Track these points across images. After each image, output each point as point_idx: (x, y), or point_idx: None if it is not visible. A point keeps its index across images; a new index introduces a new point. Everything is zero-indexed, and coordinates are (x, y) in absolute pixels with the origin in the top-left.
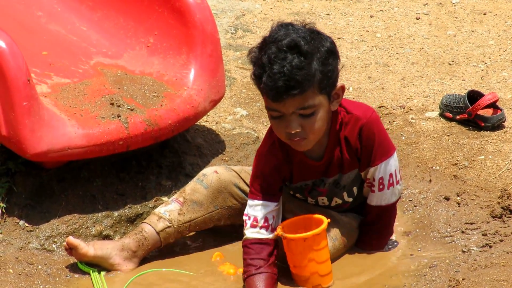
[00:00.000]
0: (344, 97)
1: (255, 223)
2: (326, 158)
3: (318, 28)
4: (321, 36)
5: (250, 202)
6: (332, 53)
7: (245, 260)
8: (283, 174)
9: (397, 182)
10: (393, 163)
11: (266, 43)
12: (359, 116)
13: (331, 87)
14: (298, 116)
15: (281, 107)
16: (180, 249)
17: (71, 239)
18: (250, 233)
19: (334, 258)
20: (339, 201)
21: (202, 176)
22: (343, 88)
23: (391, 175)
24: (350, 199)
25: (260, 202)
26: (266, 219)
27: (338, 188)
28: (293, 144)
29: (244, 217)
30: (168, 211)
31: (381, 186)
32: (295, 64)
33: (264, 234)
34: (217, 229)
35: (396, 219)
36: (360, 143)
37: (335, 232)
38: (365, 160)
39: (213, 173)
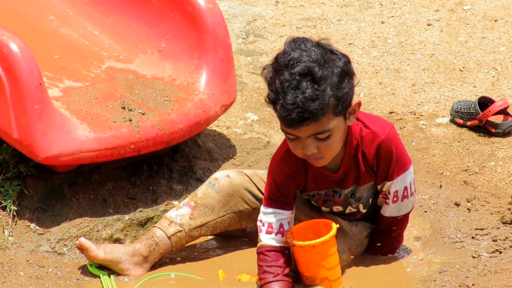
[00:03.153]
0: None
1: (270, 229)
2: (342, 171)
3: (331, 43)
4: (334, 55)
5: (263, 209)
6: (346, 75)
7: (261, 267)
8: (297, 182)
9: (411, 194)
10: (408, 177)
11: (279, 65)
12: (377, 132)
13: (347, 108)
14: (314, 139)
15: (296, 132)
16: (190, 255)
17: (82, 240)
18: (266, 239)
19: (342, 269)
20: (354, 211)
21: (214, 180)
22: (359, 104)
23: (406, 188)
24: (365, 210)
25: (274, 210)
26: (281, 225)
27: (353, 198)
28: (310, 161)
29: (258, 223)
30: (179, 216)
31: (395, 199)
32: (308, 95)
33: (280, 241)
34: (227, 233)
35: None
36: (378, 159)
37: (342, 245)
38: (382, 175)
39: (225, 177)
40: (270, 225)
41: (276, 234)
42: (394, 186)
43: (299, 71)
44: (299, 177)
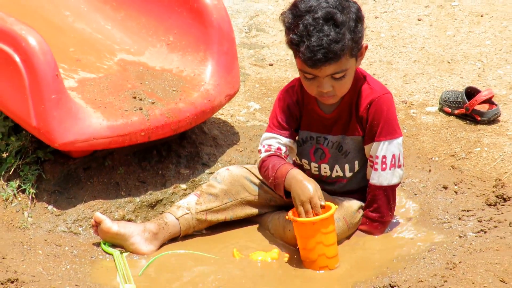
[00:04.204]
0: None
1: (268, 148)
2: (335, 113)
3: None
4: (348, 2)
5: (264, 135)
6: (360, 20)
7: (267, 169)
8: (295, 115)
9: (399, 166)
10: (397, 146)
11: (300, 10)
12: (374, 89)
13: (359, 50)
14: (331, 78)
15: (317, 72)
16: (203, 235)
17: (98, 214)
18: (265, 154)
19: (340, 239)
20: (340, 173)
21: (216, 174)
22: (366, 47)
23: (394, 156)
24: (350, 174)
25: (272, 134)
26: (279, 148)
27: (340, 152)
28: (322, 99)
29: (259, 147)
30: (186, 202)
31: (383, 166)
32: (332, 37)
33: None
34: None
35: (396, 208)
36: (367, 115)
37: (337, 213)
38: (369, 133)
39: (225, 170)
40: (269, 146)
41: (275, 151)
42: (380, 150)
43: (322, 16)
44: (297, 109)
